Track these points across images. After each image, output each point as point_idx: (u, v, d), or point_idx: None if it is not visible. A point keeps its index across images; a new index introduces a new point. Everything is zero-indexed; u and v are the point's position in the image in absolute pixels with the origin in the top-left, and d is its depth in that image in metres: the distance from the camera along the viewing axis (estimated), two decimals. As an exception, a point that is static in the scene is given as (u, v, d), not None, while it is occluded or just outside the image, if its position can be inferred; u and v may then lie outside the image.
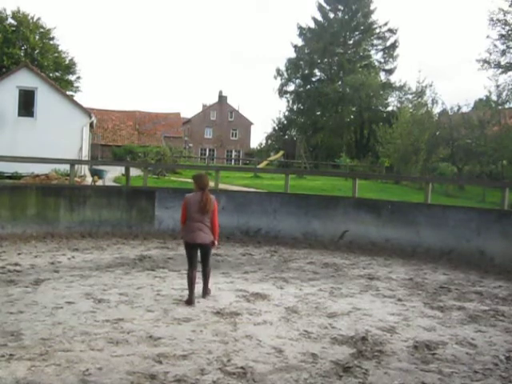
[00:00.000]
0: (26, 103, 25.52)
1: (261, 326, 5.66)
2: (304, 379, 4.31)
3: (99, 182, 20.92)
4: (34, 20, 45.19)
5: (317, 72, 59.67)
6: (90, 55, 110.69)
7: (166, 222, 12.02)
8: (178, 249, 10.42)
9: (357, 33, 57.46)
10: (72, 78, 49.15)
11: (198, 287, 7.24)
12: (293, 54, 58.55)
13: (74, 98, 33.32)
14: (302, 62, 58.22)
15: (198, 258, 6.67)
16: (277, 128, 61.51)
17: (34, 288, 6.81)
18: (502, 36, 31.03)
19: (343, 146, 52.01)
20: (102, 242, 10.56)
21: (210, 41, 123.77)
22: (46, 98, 25.38)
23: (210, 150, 69.06)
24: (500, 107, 30.64)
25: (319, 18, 57.49)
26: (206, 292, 6.83)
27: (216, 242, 6.71)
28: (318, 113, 57.58)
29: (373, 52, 58.61)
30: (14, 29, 43.68)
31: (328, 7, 57.08)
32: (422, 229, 11.15)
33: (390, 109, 52.19)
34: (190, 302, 6.43)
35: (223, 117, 72.03)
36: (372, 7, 56.31)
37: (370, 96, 51.67)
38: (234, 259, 9.72)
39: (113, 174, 24.98)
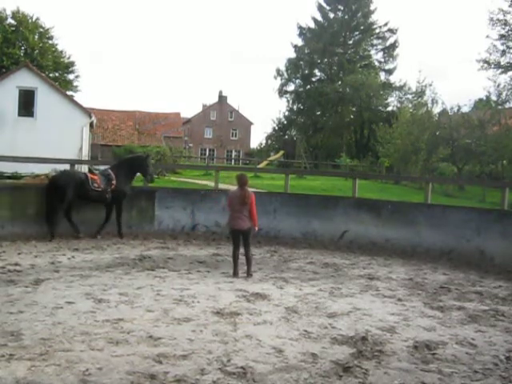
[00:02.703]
0: (26, 103, 25.51)
1: (261, 326, 5.66)
2: (304, 379, 4.31)
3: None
4: (34, 20, 45.17)
5: (317, 72, 59.71)
6: (90, 55, 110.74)
7: (165, 221, 12.02)
8: (177, 249, 10.42)
9: (357, 33, 57.47)
10: (71, 77, 49.15)
11: (198, 287, 7.26)
12: (293, 54, 58.64)
13: (74, 98, 33.28)
14: (302, 62, 58.20)
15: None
16: (277, 128, 61.51)
17: (34, 288, 6.80)
18: (501, 36, 31.04)
19: (343, 146, 52.00)
20: (102, 242, 10.55)
21: (209, 41, 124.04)
22: (45, 97, 25.37)
23: (210, 150, 69.06)
24: (500, 107, 30.61)
25: (319, 18, 57.52)
26: (249, 273, 8.04)
27: (256, 228, 8.38)
28: (318, 113, 57.58)
29: (373, 52, 58.69)
30: (13, 29, 43.67)
31: (328, 7, 57.09)
32: (422, 229, 11.15)
33: (389, 109, 52.17)
34: (234, 273, 8.03)
35: (223, 117, 72.03)
36: (372, 7, 56.42)
37: (370, 96, 51.65)
38: (234, 259, 9.70)
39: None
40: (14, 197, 11.07)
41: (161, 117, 58.05)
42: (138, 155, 12.13)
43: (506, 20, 30.61)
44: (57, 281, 7.25)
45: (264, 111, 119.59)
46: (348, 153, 47.51)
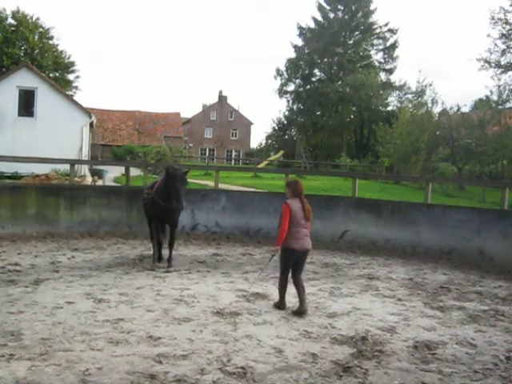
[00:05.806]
0: (26, 103, 25.50)
1: (261, 326, 5.66)
2: (304, 379, 4.31)
3: (99, 182, 20.94)
4: (34, 20, 45.19)
5: (317, 72, 59.63)
6: (90, 55, 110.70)
7: (166, 221, 12.00)
8: (177, 249, 10.39)
9: (357, 33, 57.42)
10: (71, 77, 49.20)
11: (198, 287, 7.26)
12: (293, 54, 58.57)
13: (74, 98, 33.29)
14: (301, 62, 58.17)
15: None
16: (277, 128, 61.49)
17: (34, 288, 6.80)
18: (502, 35, 30.92)
19: (343, 145, 51.99)
20: (102, 242, 10.55)
21: (209, 41, 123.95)
22: (45, 97, 25.35)
23: (210, 150, 69.04)
24: (500, 107, 30.58)
25: (319, 18, 57.47)
26: (304, 308, 6.15)
27: None
28: (318, 113, 57.54)
29: (373, 52, 58.60)
30: (13, 29, 43.69)
31: (328, 7, 57.04)
32: (422, 229, 11.14)
33: (389, 109, 52.04)
34: (283, 306, 6.32)
35: (223, 117, 71.99)
36: (372, 7, 56.30)
37: (370, 96, 51.59)
38: (234, 259, 9.72)
39: (112, 173, 24.99)
40: (13, 197, 11.08)
41: (161, 117, 58.10)
42: (167, 169, 8.77)
43: (506, 19, 30.54)
44: (57, 281, 7.25)
45: (264, 111, 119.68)
46: (348, 153, 47.50)
